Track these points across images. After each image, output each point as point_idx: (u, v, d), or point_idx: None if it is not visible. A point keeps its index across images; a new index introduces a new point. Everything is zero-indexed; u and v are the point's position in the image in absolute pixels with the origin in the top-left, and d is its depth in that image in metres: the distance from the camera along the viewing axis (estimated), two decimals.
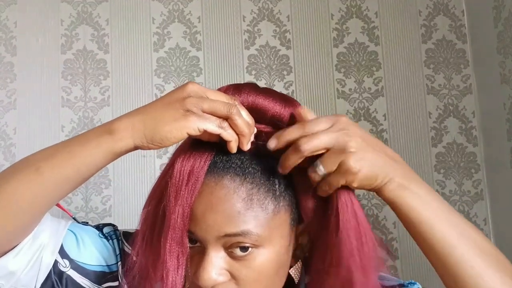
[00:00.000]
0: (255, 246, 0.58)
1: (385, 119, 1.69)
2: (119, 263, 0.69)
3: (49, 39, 1.70)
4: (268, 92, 0.63)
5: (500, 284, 0.57)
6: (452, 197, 1.65)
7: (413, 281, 0.71)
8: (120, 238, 0.71)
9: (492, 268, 0.58)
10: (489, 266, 0.58)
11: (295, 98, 1.75)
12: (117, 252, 0.70)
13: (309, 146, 0.55)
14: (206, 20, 1.73)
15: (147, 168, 1.64)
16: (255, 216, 0.57)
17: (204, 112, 0.56)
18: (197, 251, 0.60)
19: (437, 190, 1.66)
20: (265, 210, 0.58)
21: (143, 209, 0.63)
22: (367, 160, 0.55)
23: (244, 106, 0.60)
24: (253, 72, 1.71)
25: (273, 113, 0.61)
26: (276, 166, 0.59)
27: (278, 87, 1.69)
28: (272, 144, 0.57)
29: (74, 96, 1.68)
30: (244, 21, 1.73)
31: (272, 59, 1.71)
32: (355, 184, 0.56)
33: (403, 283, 0.70)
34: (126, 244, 0.70)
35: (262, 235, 0.58)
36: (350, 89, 1.70)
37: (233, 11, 1.73)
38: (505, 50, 1.51)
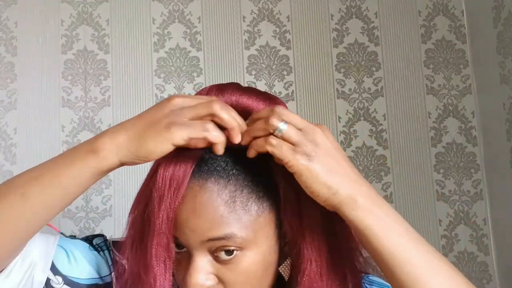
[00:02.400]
0: (240, 249, 0.57)
1: (384, 119, 1.69)
2: (113, 273, 0.68)
3: (49, 39, 1.71)
4: (251, 91, 0.63)
5: None
6: (451, 197, 1.66)
7: None
8: (110, 248, 0.70)
9: None
10: None
11: (295, 98, 1.76)
12: (110, 262, 0.69)
13: (274, 142, 0.54)
14: (206, 21, 1.74)
15: (148, 168, 1.64)
16: (238, 219, 0.57)
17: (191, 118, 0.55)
18: (184, 256, 0.60)
19: (436, 190, 1.66)
20: (248, 212, 0.58)
21: (129, 214, 0.62)
22: (326, 162, 0.54)
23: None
24: (253, 72, 1.71)
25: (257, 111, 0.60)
26: (259, 167, 0.58)
27: (278, 87, 1.70)
28: (237, 140, 0.56)
29: (75, 96, 1.68)
30: (244, 21, 1.73)
31: (272, 59, 1.72)
32: (296, 169, 0.53)
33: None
34: (116, 253, 0.70)
35: (246, 238, 0.57)
36: (349, 89, 1.71)
37: (233, 11, 1.74)
38: (505, 50, 1.51)
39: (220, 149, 0.56)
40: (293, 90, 1.70)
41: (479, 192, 1.66)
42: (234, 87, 0.63)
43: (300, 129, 0.55)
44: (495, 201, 1.62)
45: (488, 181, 1.65)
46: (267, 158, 0.57)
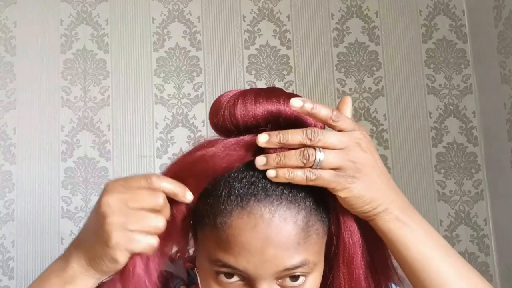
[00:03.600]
0: (308, 273, 0.55)
1: (385, 119, 1.69)
2: None
3: (48, 39, 1.70)
4: (271, 93, 0.59)
5: None
6: (452, 197, 1.65)
7: None
8: None
9: None
10: None
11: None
12: None
13: (313, 177, 0.51)
14: (206, 20, 1.73)
15: (147, 168, 1.64)
16: (311, 244, 0.54)
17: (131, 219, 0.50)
18: (238, 286, 0.55)
19: (437, 190, 1.65)
20: (318, 235, 0.55)
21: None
22: (367, 181, 0.52)
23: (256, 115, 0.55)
24: (253, 72, 1.70)
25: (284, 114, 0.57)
26: (313, 188, 0.54)
27: (278, 87, 1.69)
28: (263, 139, 0.53)
29: (74, 96, 1.68)
30: (244, 20, 1.73)
31: (272, 59, 1.71)
32: (342, 194, 0.52)
33: None
34: None
35: (316, 262, 0.55)
36: (350, 89, 1.70)
37: (233, 10, 1.73)
38: (506, 50, 1.51)
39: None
40: (293, 90, 1.69)
41: (480, 192, 1.65)
42: (254, 93, 0.58)
43: (339, 149, 0.52)
44: (496, 201, 1.61)
45: (489, 181, 1.64)
46: None
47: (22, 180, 1.63)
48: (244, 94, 0.57)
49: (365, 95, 1.70)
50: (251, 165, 0.54)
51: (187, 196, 0.53)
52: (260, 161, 0.52)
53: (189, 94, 1.69)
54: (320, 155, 0.51)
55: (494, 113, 1.59)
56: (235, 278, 0.55)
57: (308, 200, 0.54)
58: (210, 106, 0.60)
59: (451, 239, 1.61)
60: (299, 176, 0.51)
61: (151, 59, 1.70)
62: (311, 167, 0.51)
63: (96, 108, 1.67)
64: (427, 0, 1.74)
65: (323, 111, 0.53)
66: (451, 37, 1.73)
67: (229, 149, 0.55)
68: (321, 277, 0.57)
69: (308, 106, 0.52)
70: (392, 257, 0.59)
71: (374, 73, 1.71)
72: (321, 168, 0.51)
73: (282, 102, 0.56)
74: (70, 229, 1.61)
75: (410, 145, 1.68)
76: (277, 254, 0.52)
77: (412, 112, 1.69)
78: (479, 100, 1.69)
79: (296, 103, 0.52)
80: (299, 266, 0.53)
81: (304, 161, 0.51)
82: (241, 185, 0.53)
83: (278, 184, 0.53)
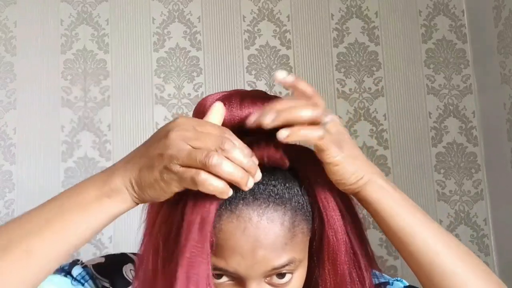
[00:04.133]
0: (294, 271, 0.57)
1: (385, 119, 1.69)
2: None
3: (49, 39, 1.70)
4: (258, 99, 0.60)
5: (472, 273, 0.59)
6: (452, 197, 1.65)
7: (399, 278, 0.73)
8: (94, 275, 0.65)
9: (474, 273, 0.60)
10: (471, 270, 0.60)
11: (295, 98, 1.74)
12: None
13: (323, 134, 0.52)
14: (206, 20, 1.73)
15: None
16: (297, 243, 0.56)
17: (184, 164, 0.48)
18: (227, 285, 0.56)
19: (437, 190, 1.66)
20: (304, 233, 0.57)
21: (146, 235, 0.57)
22: (350, 151, 0.56)
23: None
24: (253, 72, 1.71)
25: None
26: (299, 184, 0.57)
27: (279, 87, 1.69)
28: (268, 119, 0.52)
29: (74, 96, 1.68)
30: (244, 21, 1.73)
31: (272, 59, 1.71)
32: (338, 159, 0.54)
33: (388, 280, 0.71)
34: (102, 278, 0.65)
35: (301, 259, 0.57)
36: (350, 89, 1.70)
37: (233, 11, 1.73)
38: (505, 50, 1.51)
39: (224, 193, 0.50)
40: (293, 90, 1.69)
41: (480, 192, 1.65)
42: (239, 96, 0.58)
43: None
44: (495, 201, 1.61)
45: (489, 181, 1.65)
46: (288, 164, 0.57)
47: (22, 180, 1.63)
48: (229, 98, 0.58)
49: (365, 95, 1.70)
50: None
51: (249, 184, 0.50)
52: (283, 133, 0.52)
53: (189, 94, 1.69)
54: (329, 118, 0.54)
55: (494, 113, 1.59)
56: (224, 279, 0.56)
57: (294, 200, 0.56)
58: (193, 109, 0.60)
59: None
60: (308, 132, 0.52)
61: (151, 59, 1.70)
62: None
63: (96, 108, 1.67)
64: (426, 0, 1.74)
65: (302, 85, 0.57)
66: (450, 37, 1.73)
67: None
68: (305, 273, 0.59)
69: (291, 78, 0.56)
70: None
71: (374, 73, 1.71)
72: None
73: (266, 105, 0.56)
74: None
75: (410, 145, 1.68)
76: (266, 255, 0.53)
77: (412, 112, 1.69)
78: (479, 100, 1.69)
79: (280, 75, 0.56)
80: (286, 265, 0.55)
81: (314, 118, 0.52)
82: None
83: (265, 188, 0.54)
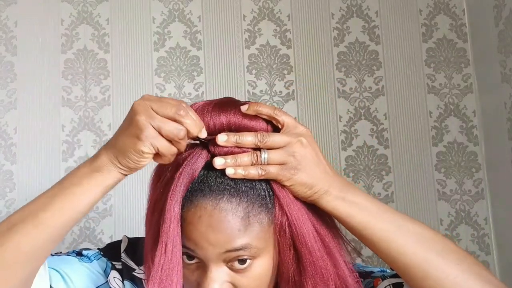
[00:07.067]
0: (254, 257, 0.63)
1: (385, 118, 1.69)
2: (109, 278, 0.74)
3: (49, 39, 1.70)
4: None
5: (446, 264, 0.62)
6: (452, 197, 1.65)
7: (383, 268, 0.78)
8: (105, 255, 0.77)
9: (434, 252, 0.63)
10: (431, 250, 0.63)
11: (295, 98, 1.75)
12: (104, 269, 0.75)
13: (263, 172, 0.63)
14: (207, 20, 1.73)
15: (148, 167, 1.64)
16: (253, 231, 0.62)
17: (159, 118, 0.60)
18: (196, 267, 0.65)
19: (437, 190, 1.65)
20: (261, 224, 0.63)
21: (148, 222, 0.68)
22: (307, 171, 0.63)
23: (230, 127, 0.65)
24: (254, 72, 1.71)
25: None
26: (262, 181, 0.64)
27: (279, 87, 1.69)
28: (223, 139, 0.62)
29: (75, 96, 1.68)
30: (244, 20, 1.73)
31: (273, 58, 1.71)
32: (287, 183, 0.63)
33: (373, 270, 0.76)
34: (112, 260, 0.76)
35: (260, 247, 0.63)
36: (350, 88, 1.70)
37: (234, 10, 1.73)
38: (506, 49, 1.51)
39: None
40: (293, 89, 1.69)
41: (480, 191, 1.65)
42: (210, 107, 0.66)
43: (281, 147, 0.63)
44: (496, 200, 1.61)
45: (489, 180, 1.65)
46: None
47: (23, 180, 1.63)
48: (203, 108, 0.66)
49: (365, 95, 1.70)
50: (205, 167, 0.65)
51: (202, 134, 0.63)
52: (218, 161, 0.62)
53: (189, 93, 1.69)
54: (265, 155, 0.62)
55: (494, 112, 1.59)
56: (195, 260, 0.64)
57: (251, 193, 0.63)
58: None
59: (452, 238, 1.62)
60: (252, 172, 0.62)
61: (151, 59, 1.70)
62: (261, 165, 0.62)
63: (97, 108, 1.67)
64: None
65: (265, 109, 0.65)
66: (451, 36, 1.73)
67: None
68: (271, 262, 0.65)
69: (253, 107, 0.65)
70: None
71: (374, 73, 1.71)
72: (268, 165, 0.62)
73: (233, 113, 0.65)
74: (72, 229, 1.62)
75: (410, 145, 1.68)
76: (218, 238, 0.61)
77: (412, 112, 1.69)
78: (479, 99, 1.69)
79: (243, 108, 0.65)
80: (240, 249, 0.62)
81: (254, 160, 0.62)
82: (194, 184, 0.64)
83: (222, 181, 0.63)
